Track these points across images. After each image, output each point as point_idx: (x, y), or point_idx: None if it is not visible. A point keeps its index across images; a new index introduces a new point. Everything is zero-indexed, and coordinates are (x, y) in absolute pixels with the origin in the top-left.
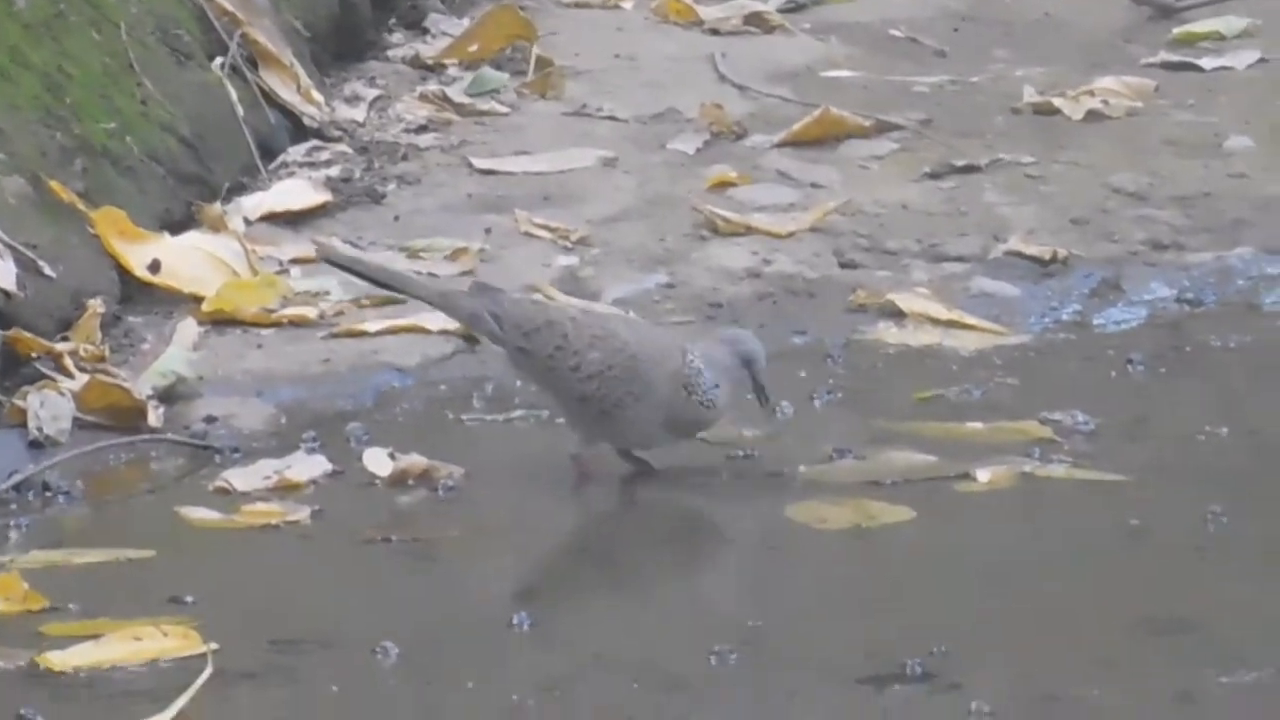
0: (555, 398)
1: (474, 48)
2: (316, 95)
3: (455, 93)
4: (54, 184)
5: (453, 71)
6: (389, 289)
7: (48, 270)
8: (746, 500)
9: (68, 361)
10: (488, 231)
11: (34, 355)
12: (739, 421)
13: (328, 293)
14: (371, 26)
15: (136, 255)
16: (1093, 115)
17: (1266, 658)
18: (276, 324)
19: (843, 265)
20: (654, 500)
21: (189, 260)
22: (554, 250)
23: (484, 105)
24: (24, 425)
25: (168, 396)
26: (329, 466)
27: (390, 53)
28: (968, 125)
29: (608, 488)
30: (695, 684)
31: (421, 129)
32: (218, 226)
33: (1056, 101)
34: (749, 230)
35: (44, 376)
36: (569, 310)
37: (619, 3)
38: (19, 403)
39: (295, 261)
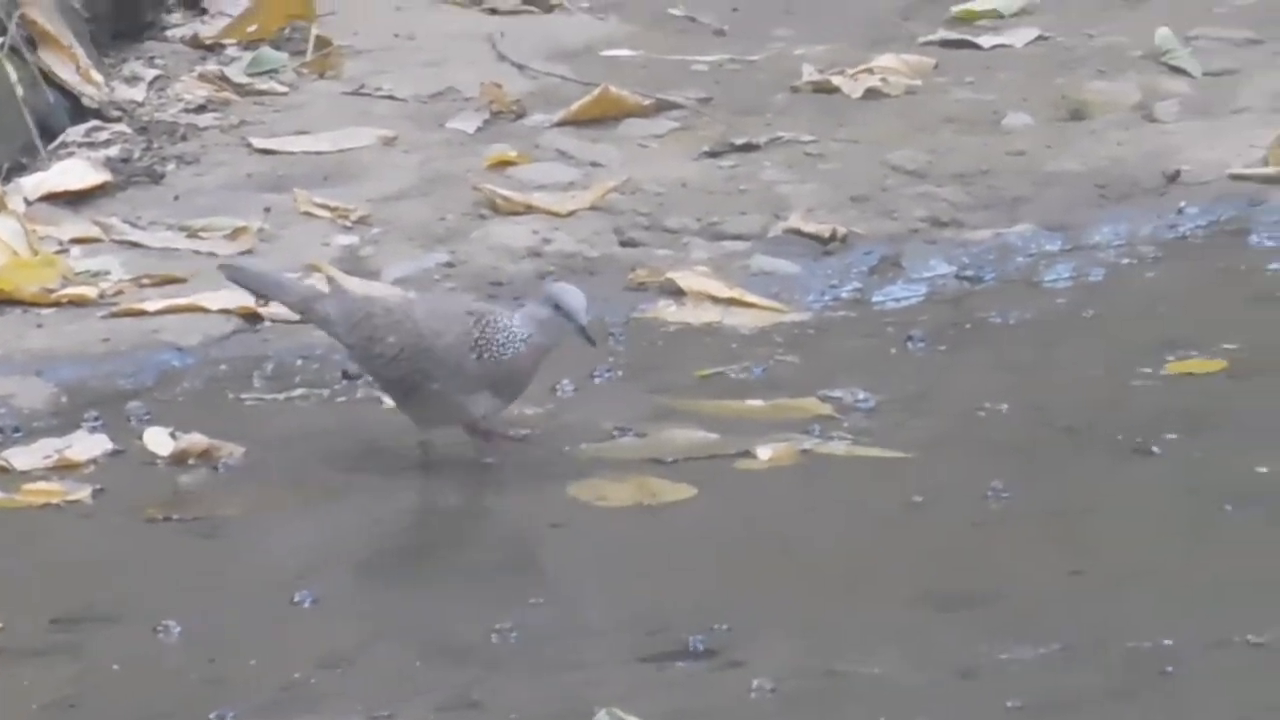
0: (383, 389)
1: (253, 28)
2: (96, 75)
3: (234, 73)
4: None
5: (232, 51)
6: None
7: None
8: (529, 478)
9: None
10: (267, 211)
11: None
12: (520, 399)
13: (108, 272)
14: (150, 6)
15: None
16: (872, 93)
17: (1048, 631)
18: (57, 303)
19: (623, 244)
20: (436, 478)
21: None
22: (334, 229)
23: (263, 85)
24: None
25: None
26: (110, 446)
27: (169, 33)
28: (747, 104)
29: (389, 466)
30: (478, 661)
31: (200, 109)
32: None
33: (836, 80)
34: (529, 209)
35: None
36: (387, 300)
37: None
38: None
39: (75, 241)
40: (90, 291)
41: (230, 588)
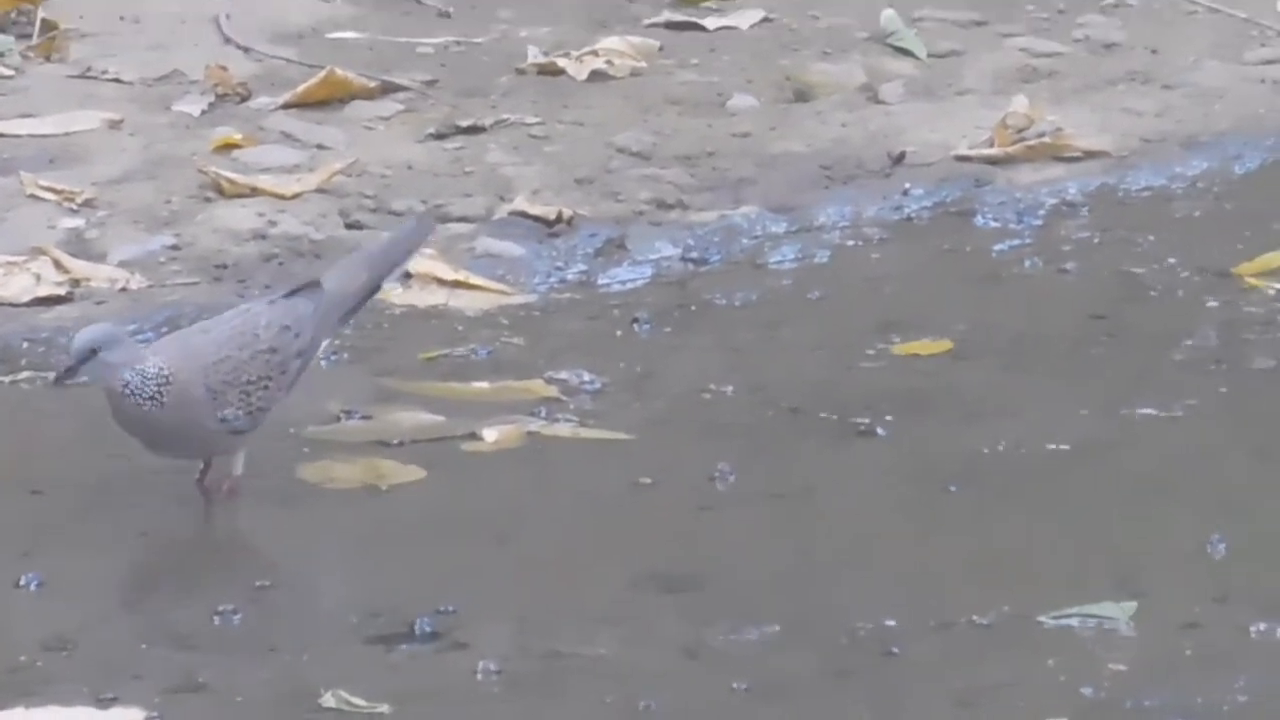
0: None
1: None
2: None
3: None
4: None
5: None
6: None
7: None
8: (256, 460)
9: None
10: None
11: None
12: None
13: None
14: None
15: None
16: (597, 75)
17: (772, 612)
18: None
19: (348, 226)
20: (163, 462)
21: None
22: (60, 212)
23: None
24: None
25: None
26: None
27: None
28: (473, 86)
29: (113, 448)
30: (203, 644)
31: None
32: None
33: (561, 62)
34: (254, 191)
35: None
36: None
37: None
38: None
39: None
40: None
41: None
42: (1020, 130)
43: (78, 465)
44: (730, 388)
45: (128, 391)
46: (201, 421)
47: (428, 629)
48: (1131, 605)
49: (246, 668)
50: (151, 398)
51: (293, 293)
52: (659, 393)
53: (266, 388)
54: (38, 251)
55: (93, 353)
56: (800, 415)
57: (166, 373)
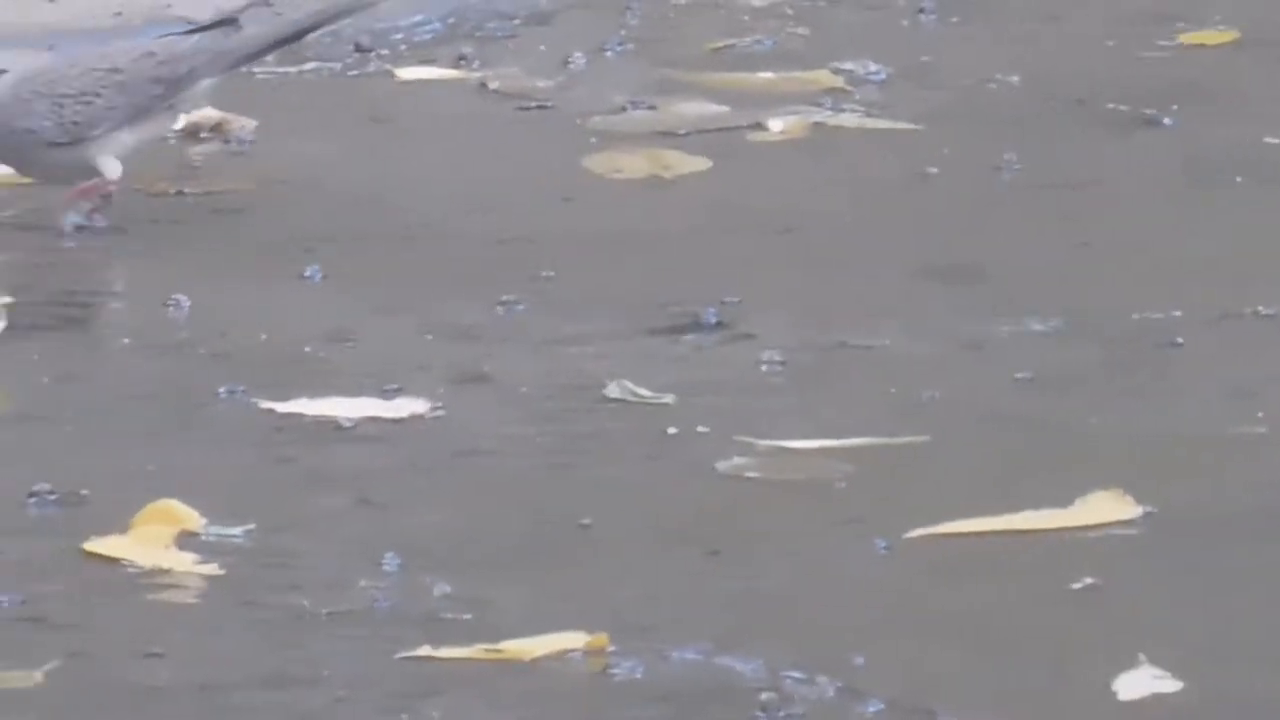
0: None
1: None
2: None
3: None
4: None
5: None
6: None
7: None
8: (540, 150)
9: None
10: None
11: None
12: (532, 72)
13: None
14: None
15: None
16: None
17: (1055, 303)
18: None
19: None
20: (443, 152)
21: None
22: None
23: None
24: None
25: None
26: None
27: None
28: None
29: (398, 136)
30: (486, 334)
31: None
32: None
33: None
34: None
35: None
36: None
37: None
38: None
39: None
40: None
41: (239, 262)
42: None
43: (360, 156)
44: (1015, 78)
45: None
46: (12, 131)
47: (712, 320)
48: None
49: (530, 359)
50: None
51: (201, 28)
52: (944, 83)
53: (90, 103)
54: None
55: None
56: (1085, 106)
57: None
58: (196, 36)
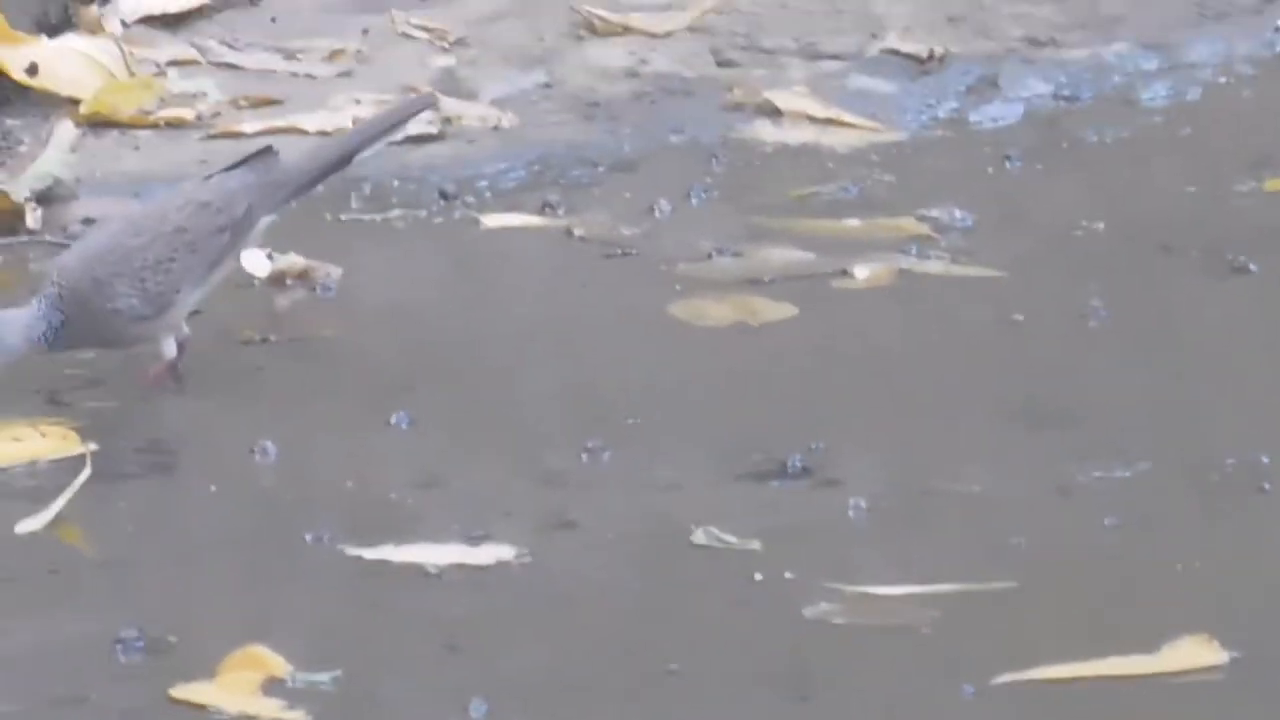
0: None
1: None
2: None
3: None
4: None
5: None
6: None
7: None
8: (626, 298)
9: None
10: (365, 32)
11: None
12: (617, 219)
13: (205, 94)
14: None
15: (13, 58)
16: None
17: (1144, 450)
18: (154, 126)
19: (720, 64)
20: (533, 297)
21: (66, 62)
22: (431, 51)
23: None
24: None
25: (45, 199)
26: None
27: None
28: None
29: (484, 285)
30: (572, 481)
31: None
32: (95, 29)
33: None
34: (626, 30)
35: None
36: None
37: None
38: None
39: (172, 63)
40: (187, 113)
41: (326, 408)
42: None
43: (445, 303)
44: (1101, 224)
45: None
46: (98, 315)
47: (799, 465)
48: None
49: (616, 504)
50: (55, 308)
51: (239, 164)
52: (1030, 229)
53: (169, 270)
54: (409, 90)
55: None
56: (1171, 251)
57: (56, 280)
58: (242, 171)
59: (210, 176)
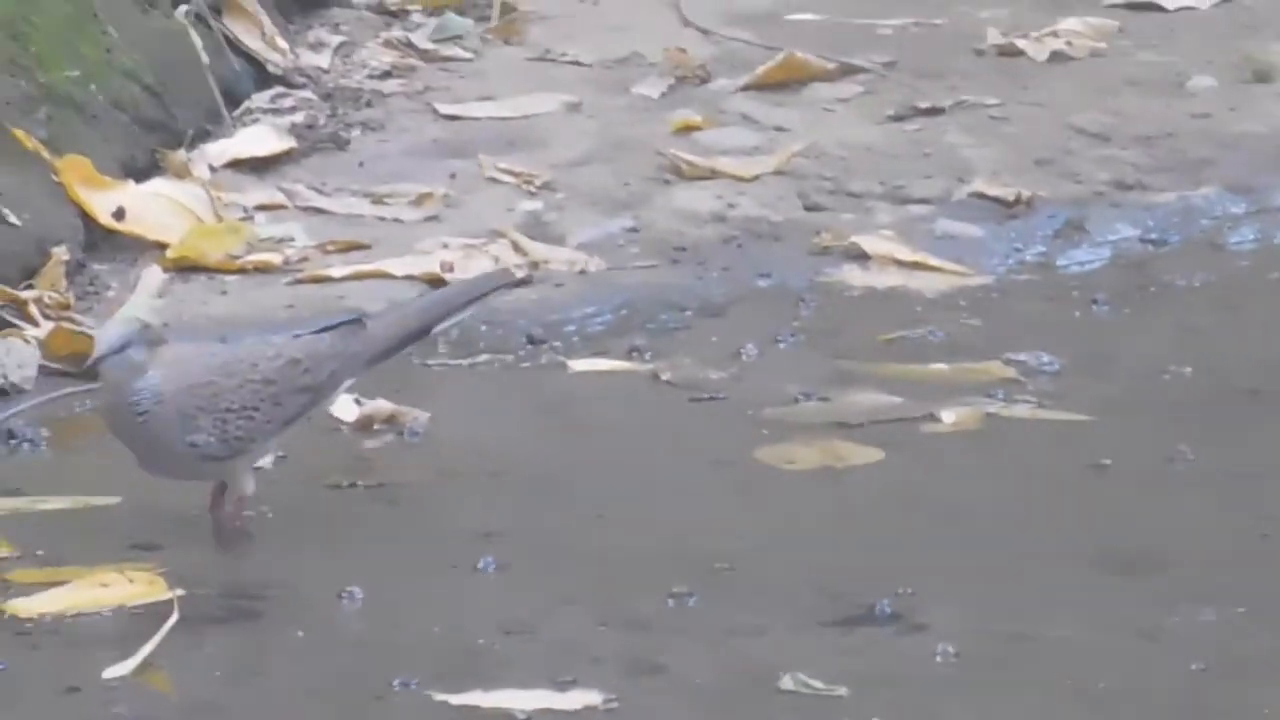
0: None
1: None
2: (281, 42)
3: (419, 39)
4: (17, 132)
5: (417, 18)
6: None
7: (12, 218)
8: (713, 442)
9: (33, 309)
10: (452, 177)
11: None
12: (704, 363)
13: (292, 239)
14: None
15: (101, 202)
16: (1056, 56)
17: (1231, 595)
18: (241, 270)
19: (807, 208)
20: (619, 442)
21: (153, 207)
22: (518, 195)
23: (448, 51)
24: None
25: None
26: None
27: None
28: (932, 67)
29: (573, 431)
30: (660, 626)
31: (385, 75)
32: (182, 173)
33: (1020, 43)
34: (713, 174)
35: (8, 324)
36: None
37: None
38: None
39: (260, 208)
40: (275, 258)
41: (414, 554)
42: None
43: (533, 447)
44: (1189, 369)
45: (133, 399)
46: (170, 443)
47: (886, 611)
48: None
49: (703, 650)
50: (144, 411)
51: (328, 328)
52: (1117, 374)
53: (251, 418)
54: (496, 234)
55: (124, 347)
56: (1260, 396)
57: (159, 387)
58: (332, 336)
59: (300, 335)
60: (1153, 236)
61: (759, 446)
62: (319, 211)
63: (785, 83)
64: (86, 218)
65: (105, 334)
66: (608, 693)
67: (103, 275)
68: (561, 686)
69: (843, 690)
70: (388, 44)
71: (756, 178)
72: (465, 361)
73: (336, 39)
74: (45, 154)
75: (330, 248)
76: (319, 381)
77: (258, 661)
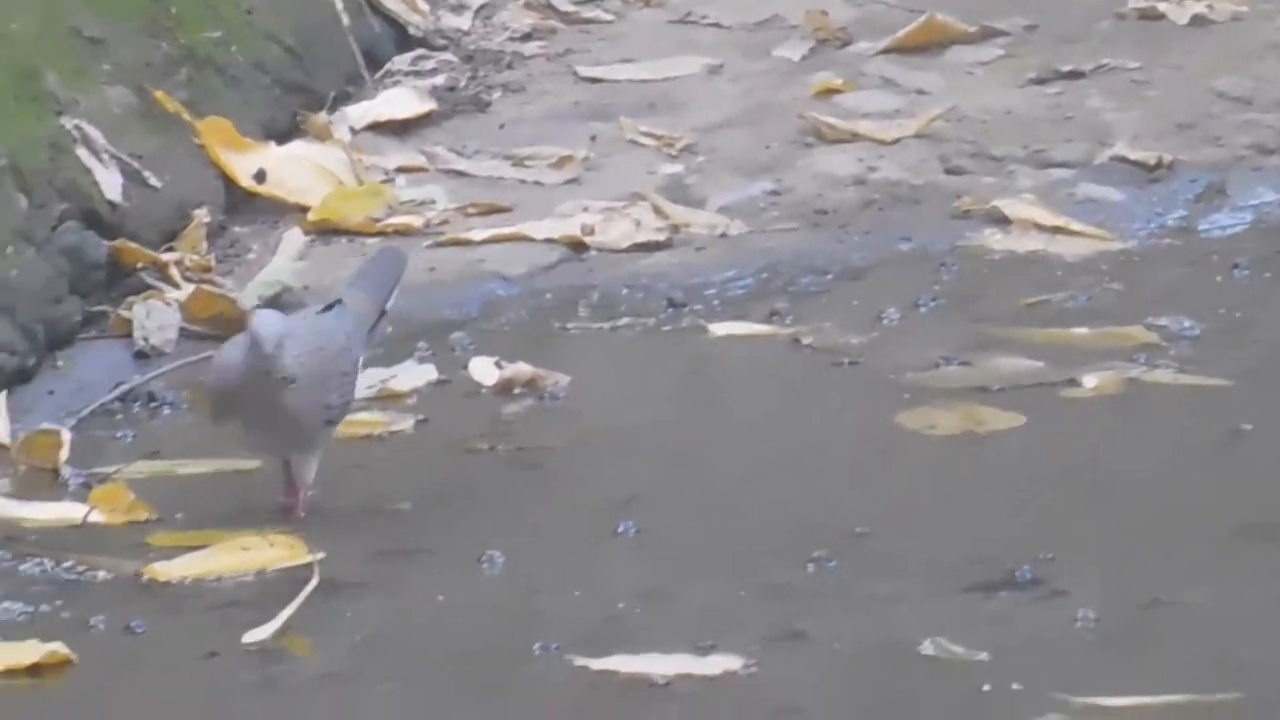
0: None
1: None
2: (422, 4)
3: (561, 1)
4: (159, 94)
5: None
6: None
7: (153, 180)
8: (854, 407)
9: (173, 272)
10: (593, 139)
11: (140, 266)
12: (845, 328)
13: (433, 202)
14: None
15: (242, 165)
16: (1197, 20)
17: None
18: (382, 233)
19: (948, 172)
20: (760, 406)
21: (294, 169)
22: (658, 158)
23: (589, 13)
24: (129, 336)
25: (273, 306)
26: (434, 376)
27: None
28: (1072, 31)
29: (713, 395)
30: (800, 592)
31: (526, 37)
32: (323, 136)
33: (1161, 6)
34: (854, 137)
35: (149, 287)
36: None
37: None
38: (124, 313)
39: (401, 170)
40: (415, 221)
41: (553, 518)
42: None
43: (673, 412)
44: None
45: (282, 365)
46: (312, 408)
47: (1027, 577)
48: None
49: (844, 616)
50: (294, 378)
51: (326, 309)
52: (1258, 338)
53: (353, 383)
54: (637, 197)
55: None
56: None
57: (298, 354)
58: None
59: (321, 311)
60: None
61: (899, 411)
62: (459, 174)
63: (926, 45)
64: (227, 180)
65: (267, 326)
66: (747, 658)
67: (243, 238)
68: (701, 651)
69: (983, 655)
70: (528, 6)
71: (897, 141)
72: (606, 325)
73: (477, 1)
74: (186, 116)
75: (471, 210)
76: (356, 354)
77: (397, 626)
